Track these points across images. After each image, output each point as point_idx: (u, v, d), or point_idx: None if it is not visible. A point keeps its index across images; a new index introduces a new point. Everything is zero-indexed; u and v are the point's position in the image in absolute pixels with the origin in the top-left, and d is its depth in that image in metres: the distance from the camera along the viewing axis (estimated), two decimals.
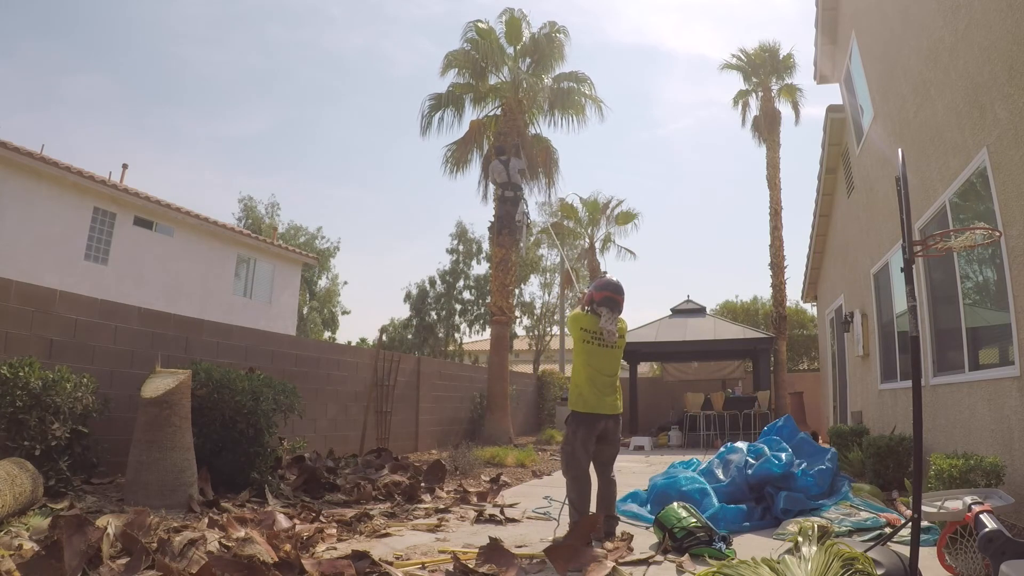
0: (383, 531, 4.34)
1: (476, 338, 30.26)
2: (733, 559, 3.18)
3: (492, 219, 13.24)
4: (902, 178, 2.90)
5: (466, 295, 29.02)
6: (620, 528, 4.40)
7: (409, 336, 29.15)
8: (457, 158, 14.16)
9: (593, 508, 4.29)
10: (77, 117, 45.79)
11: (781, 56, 18.46)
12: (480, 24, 13.84)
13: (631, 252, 22.71)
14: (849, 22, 9.06)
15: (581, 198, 22.07)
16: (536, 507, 5.53)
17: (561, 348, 26.86)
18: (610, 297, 4.39)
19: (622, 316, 4.48)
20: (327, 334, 31.11)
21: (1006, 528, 2.75)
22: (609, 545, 3.85)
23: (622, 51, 62.30)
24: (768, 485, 5.02)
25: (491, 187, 13.50)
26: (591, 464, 4.34)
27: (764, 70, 18.57)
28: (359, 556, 3.24)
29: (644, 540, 4.23)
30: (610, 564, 3.31)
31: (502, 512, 5.11)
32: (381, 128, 61.28)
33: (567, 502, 4.35)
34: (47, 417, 4.28)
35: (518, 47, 14.04)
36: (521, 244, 13.42)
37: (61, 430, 4.34)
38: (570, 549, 3.42)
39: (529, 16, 14.35)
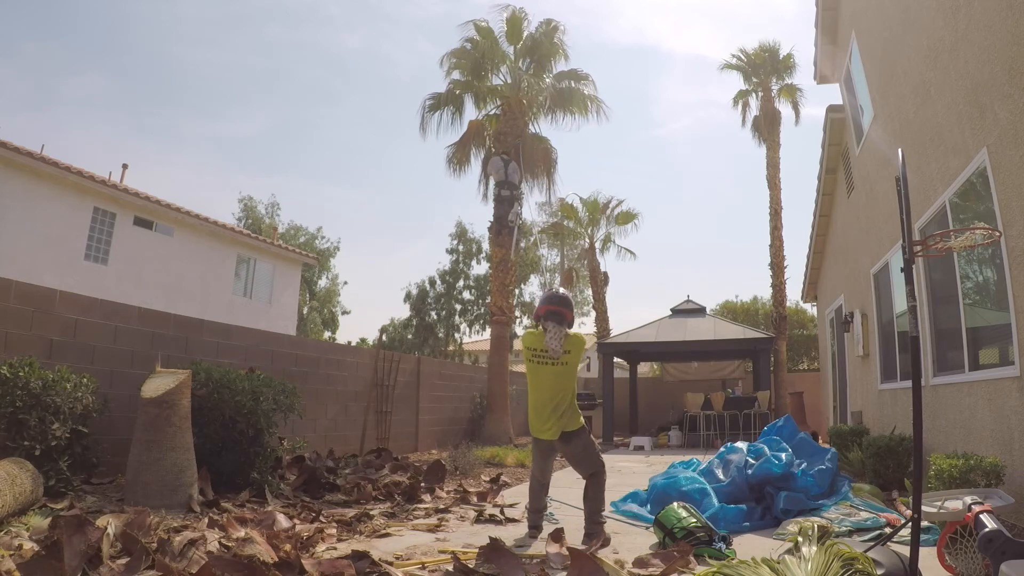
0: (383, 531, 4.34)
1: (476, 338, 30.28)
2: (733, 559, 3.18)
3: (491, 219, 13.24)
4: (902, 178, 2.90)
5: (466, 295, 29.05)
6: (620, 528, 4.39)
7: (409, 336, 29.16)
8: (458, 158, 14.14)
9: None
10: (77, 117, 45.84)
11: (781, 56, 18.48)
12: (480, 23, 13.84)
13: (631, 252, 22.73)
14: (849, 22, 9.06)
15: (581, 198, 22.08)
16: None
17: None
18: (554, 311, 4.23)
19: (575, 331, 4.37)
20: (327, 334, 31.12)
21: (1006, 528, 2.75)
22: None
23: (621, 51, 62.34)
24: (768, 485, 5.02)
25: (491, 187, 13.50)
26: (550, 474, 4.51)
27: (764, 70, 18.58)
28: (359, 556, 3.24)
29: (644, 540, 4.23)
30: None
31: (502, 512, 5.11)
32: (381, 128, 61.35)
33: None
34: (47, 417, 4.27)
35: (518, 46, 14.02)
36: (521, 244, 13.41)
37: (61, 430, 4.34)
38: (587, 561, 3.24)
39: (529, 16, 14.36)
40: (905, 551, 2.83)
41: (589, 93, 14.05)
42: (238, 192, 55.35)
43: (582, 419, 4.35)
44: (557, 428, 4.22)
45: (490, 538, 3.54)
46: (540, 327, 4.32)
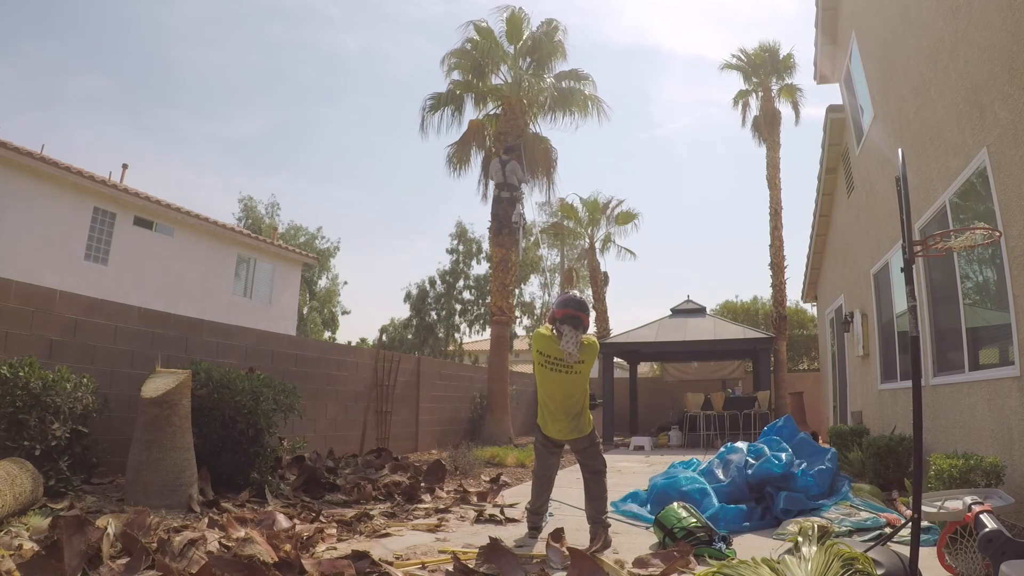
0: (383, 531, 4.34)
1: (476, 338, 30.28)
2: (733, 559, 3.18)
3: (491, 219, 13.23)
4: (902, 178, 2.90)
5: (466, 295, 29.04)
6: (620, 528, 4.39)
7: (409, 336, 29.16)
8: (458, 157, 14.14)
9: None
10: (77, 117, 45.84)
11: (781, 56, 18.49)
12: (480, 24, 13.85)
13: (631, 252, 22.77)
14: (849, 22, 9.06)
15: (581, 198, 22.15)
16: None
17: None
18: (571, 315, 4.16)
19: (589, 335, 4.30)
20: (327, 334, 31.11)
21: (1006, 528, 2.75)
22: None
23: (621, 51, 62.34)
24: (768, 485, 5.02)
25: (491, 187, 13.49)
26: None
27: (764, 70, 18.58)
28: (359, 556, 3.24)
29: (644, 540, 4.23)
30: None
31: (502, 512, 5.11)
32: (381, 128, 61.35)
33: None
34: (47, 417, 4.28)
35: (518, 46, 14.02)
36: (521, 245, 13.41)
37: (61, 430, 4.34)
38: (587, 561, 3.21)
39: (530, 16, 14.37)
40: (905, 551, 2.83)
41: (589, 93, 14.07)
42: (238, 192, 55.43)
43: (591, 418, 4.39)
44: (569, 429, 4.25)
45: (490, 538, 3.54)
46: (554, 331, 4.25)
